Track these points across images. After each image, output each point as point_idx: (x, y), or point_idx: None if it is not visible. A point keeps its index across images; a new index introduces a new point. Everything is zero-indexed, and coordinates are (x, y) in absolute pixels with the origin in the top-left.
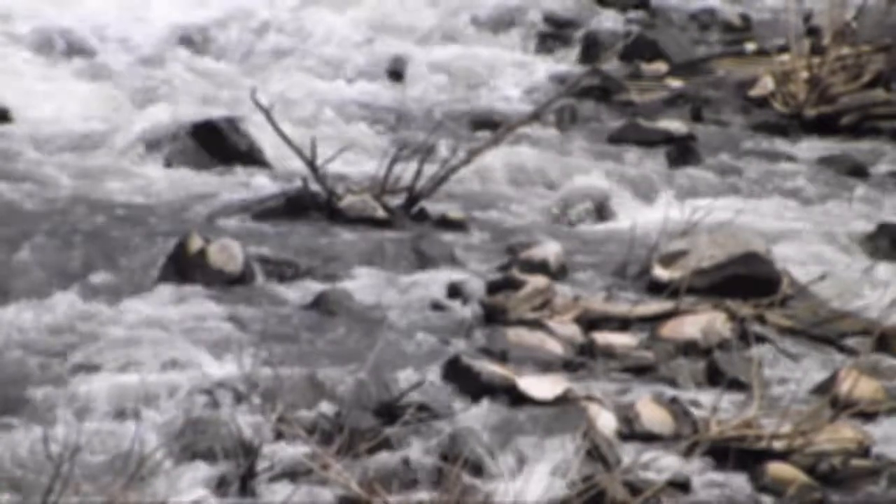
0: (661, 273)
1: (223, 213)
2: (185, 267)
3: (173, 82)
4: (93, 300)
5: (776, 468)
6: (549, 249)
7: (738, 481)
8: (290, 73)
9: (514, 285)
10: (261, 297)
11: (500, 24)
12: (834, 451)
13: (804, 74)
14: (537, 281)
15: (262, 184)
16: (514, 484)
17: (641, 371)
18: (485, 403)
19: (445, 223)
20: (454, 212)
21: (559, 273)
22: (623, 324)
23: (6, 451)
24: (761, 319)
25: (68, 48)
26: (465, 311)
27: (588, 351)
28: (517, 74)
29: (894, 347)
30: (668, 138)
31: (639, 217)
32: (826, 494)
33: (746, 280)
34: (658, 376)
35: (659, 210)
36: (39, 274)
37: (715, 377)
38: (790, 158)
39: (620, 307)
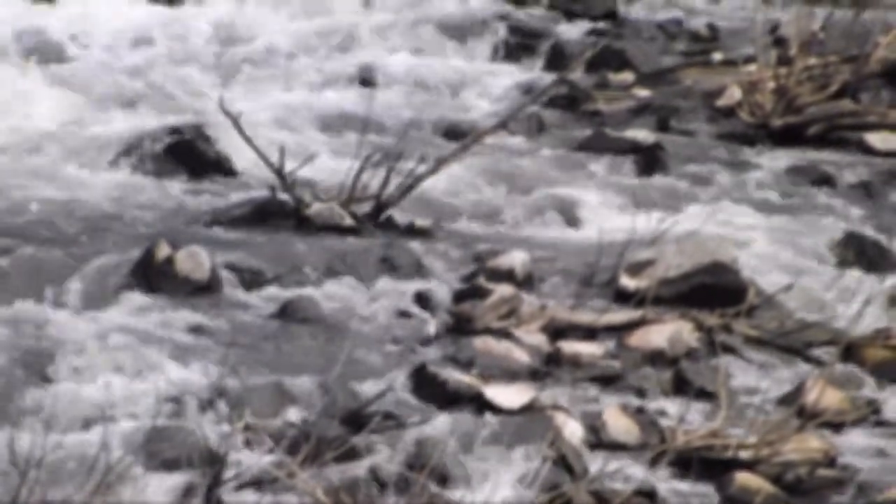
0: (627, 282)
1: (191, 220)
2: (152, 275)
3: (141, 90)
4: (59, 308)
5: (742, 478)
6: (516, 258)
7: (705, 491)
8: (259, 80)
9: (480, 294)
10: (228, 305)
11: (468, 33)
12: (800, 462)
13: (771, 85)
14: (504, 290)
15: (229, 192)
16: (481, 493)
17: (608, 380)
18: (451, 412)
19: (412, 231)
20: (421, 220)
21: (526, 282)
22: (590, 333)
23: None
24: (728, 329)
25: (37, 54)
26: (432, 320)
27: (555, 360)
28: (484, 83)
29: (861, 358)
30: (635, 148)
31: (606, 226)
32: None
33: (713, 289)
34: (625, 385)
35: (626, 219)
36: (4, 281)
37: (682, 387)
38: (757, 168)
39: (587, 316)
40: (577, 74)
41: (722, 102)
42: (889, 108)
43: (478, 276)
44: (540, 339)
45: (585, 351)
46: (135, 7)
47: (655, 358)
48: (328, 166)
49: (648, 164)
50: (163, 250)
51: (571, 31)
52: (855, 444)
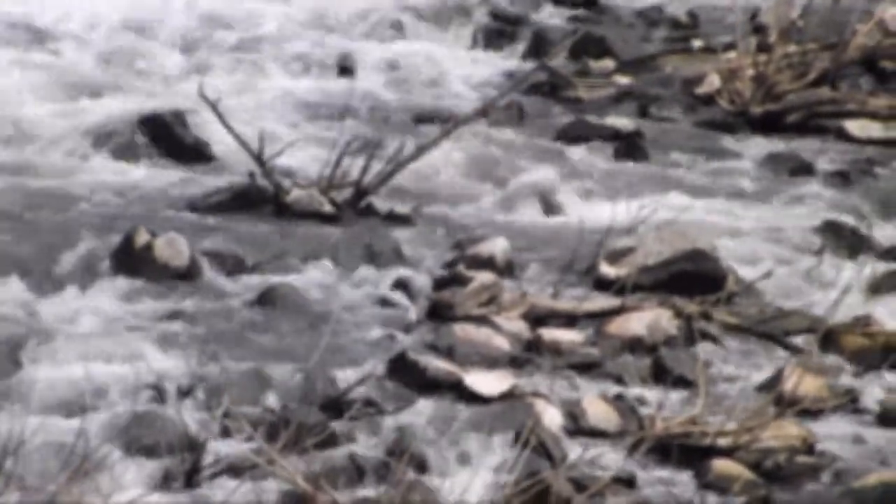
0: (607, 270)
1: (170, 207)
2: (131, 261)
3: (120, 75)
4: (38, 294)
5: (721, 465)
6: (497, 245)
7: (683, 478)
8: (239, 67)
9: (460, 281)
10: (207, 291)
11: (448, 19)
12: (779, 448)
13: (750, 72)
14: (484, 277)
15: (209, 178)
16: (460, 479)
17: (587, 367)
18: (431, 399)
19: (393, 218)
20: (401, 207)
21: (506, 269)
22: (569, 320)
23: None
24: (707, 317)
25: (13, 40)
26: (412, 307)
27: (534, 347)
28: (465, 70)
29: (840, 345)
30: (615, 135)
31: (586, 213)
32: (771, 491)
33: (692, 277)
34: (604, 373)
35: (606, 207)
36: None
37: (661, 374)
38: (736, 156)
39: (567, 303)
40: (558, 62)
41: (701, 90)
42: (868, 96)
43: (458, 264)
44: (520, 327)
45: (565, 338)
46: None
47: (635, 345)
48: (308, 153)
49: (628, 152)
50: (142, 237)
51: (552, 19)
52: (833, 431)
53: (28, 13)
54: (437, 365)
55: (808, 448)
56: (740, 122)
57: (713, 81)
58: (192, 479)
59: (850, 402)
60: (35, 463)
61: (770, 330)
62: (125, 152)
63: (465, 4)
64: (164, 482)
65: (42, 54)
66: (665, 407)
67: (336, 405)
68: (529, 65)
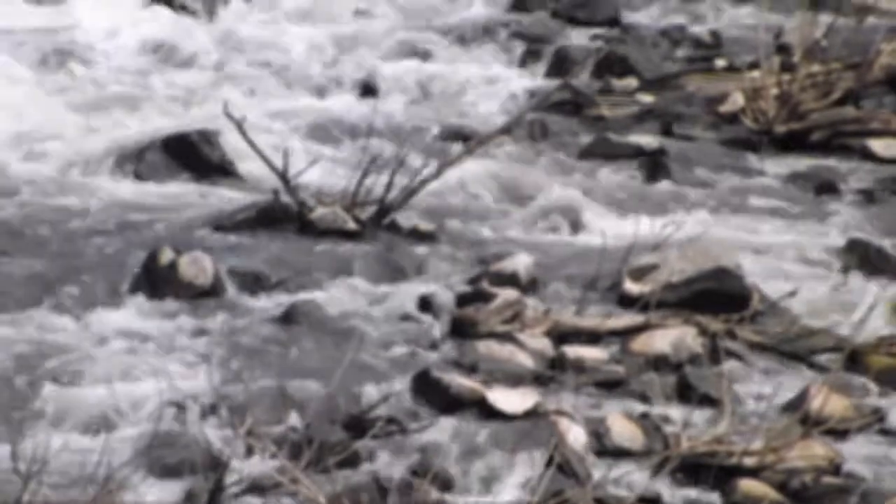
0: (631, 287)
1: (194, 225)
2: (155, 280)
3: (145, 94)
4: (62, 313)
5: (747, 484)
6: (520, 262)
7: (709, 497)
8: (263, 86)
9: (484, 298)
10: (231, 309)
11: (472, 39)
12: (805, 468)
13: (774, 91)
14: (508, 294)
15: (233, 196)
16: (484, 498)
17: (612, 385)
18: (454, 417)
19: (416, 235)
20: (425, 224)
21: (530, 286)
22: (593, 337)
23: None
24: (732, 335)
25: (40, 59)
26: (436, 324)
27: (558, 364)
28: (488, 89)
29: (865, 365)
30: (638, 153)
31: (609, 231)
32: None
33: (716, 295)
34: (628, 391)
35: (629, 224)
36: (9, 286)
37: (685, 392)
38: (760, 174)
39: (591, 321)
40: (581, 80)
41: (725, 108)
42: (892, 115)
43: (481, 280)
44: (544, 344)
45: (589, 356)
46: (140, 13)
47: (659, 363)
48: (332, 170)
49: (652, 170)
50: (166, 255)
51: (575, 38)
52: (859, 451)
53: (53, 32)
54: (461, 382)
55: (835, 468)
56: (764, 140)
57: (737, 100)
58: (215, 498)
59: (876, 423)
60: (59, 482)
61: (795, 349)
62: (150, 170)
63: (489, 24)
64: (188, 501)
65: (65, 74)
66: (690, 425)
67: (359, 423)
68: (552, 83)
